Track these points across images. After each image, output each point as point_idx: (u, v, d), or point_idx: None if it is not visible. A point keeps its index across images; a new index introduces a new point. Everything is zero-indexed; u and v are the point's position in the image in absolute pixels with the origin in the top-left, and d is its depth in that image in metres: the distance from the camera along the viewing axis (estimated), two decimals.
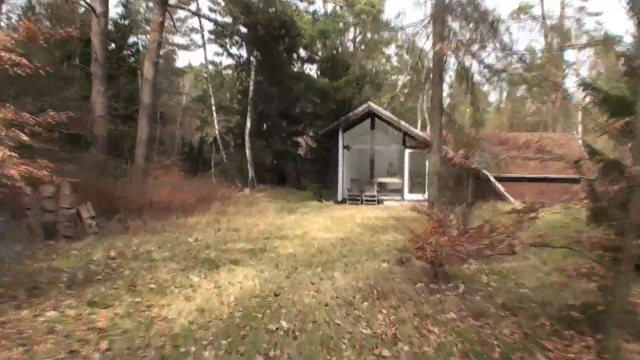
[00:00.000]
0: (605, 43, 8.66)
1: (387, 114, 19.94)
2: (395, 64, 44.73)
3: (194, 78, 42.04)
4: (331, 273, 7.14)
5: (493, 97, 50.77)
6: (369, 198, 20.43)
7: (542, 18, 33.71)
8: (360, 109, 20.02)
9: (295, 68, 29.64)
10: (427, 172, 20.28)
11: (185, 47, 38.58)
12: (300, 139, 34.17)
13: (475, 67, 10.43)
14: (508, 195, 20.48)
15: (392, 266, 7.73)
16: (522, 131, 35.43)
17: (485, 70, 10.27)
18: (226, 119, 34.80)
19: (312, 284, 6.52)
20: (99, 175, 13.84)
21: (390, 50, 38.54)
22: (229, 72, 33.32)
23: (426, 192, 20.55)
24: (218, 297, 5.74)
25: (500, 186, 20.53)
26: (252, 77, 28.24)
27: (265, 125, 30.83)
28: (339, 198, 20.36)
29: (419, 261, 6.86)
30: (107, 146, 16.90)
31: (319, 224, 13.53)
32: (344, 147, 21.02)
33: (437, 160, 9.16)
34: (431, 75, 9.13)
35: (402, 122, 19.76)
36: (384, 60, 39.25)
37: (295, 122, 31.28)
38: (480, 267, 7.45)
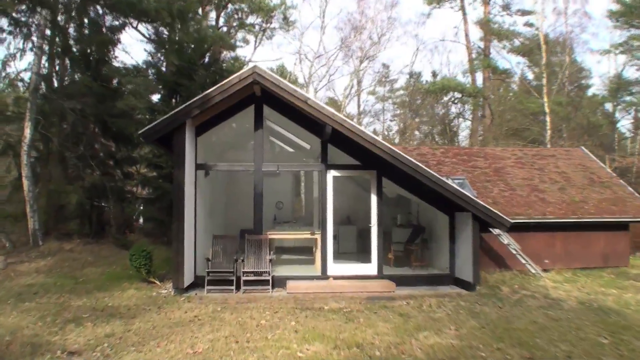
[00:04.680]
0: None
1: (292, 88, 9.60)
2: None
3: None
4: None
5: None
6: (254, 277, 9.84)
7: None
8: (234, 77, 9.49)
9: None
10: (374, 213, 10.47)
11: None
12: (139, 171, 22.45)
13: None
14: (524, 257, 11.32)
15: None
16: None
17: None
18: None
19: None
20: None
21: None
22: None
23: (374, 259, 10.60)
24: None
25: (511, 240, 11.26)
26: (44, 47, 16.53)
27: (80, 147, 19.16)
28: (187, 280, 9.55)
29: None
30: None
31: None
32: (198, 167, 10.33)
33: None
34: None
35: (328, 108, 9.62)
36: None
37: (126, 140, 19.31)
38: None
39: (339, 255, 11.81)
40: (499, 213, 9.55)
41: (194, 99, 9.56)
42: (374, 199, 10.62)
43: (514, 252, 11.36)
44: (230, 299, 8.97)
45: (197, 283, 10.03)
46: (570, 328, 6.70)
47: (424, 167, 9.52)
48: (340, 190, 11.42)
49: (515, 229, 11.48)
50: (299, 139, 12.83)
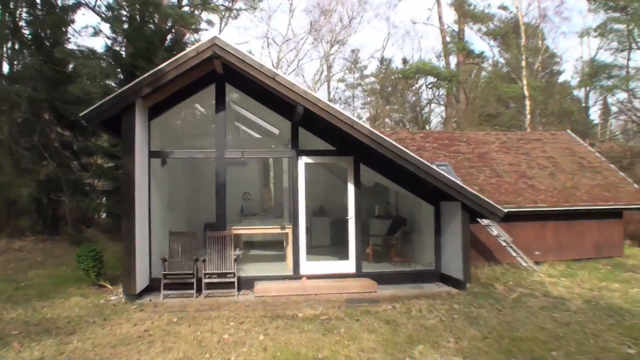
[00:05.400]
0: None
1: (258, 63, 8.43)
2: None
3: None
4: None
5: None
6: (217, 279, 8.73)
7: None
8: (191, 50, 8.28)
9: None
10: (352, 205, 9.45)
11: None
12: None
13: None
14: (515, 249, 10.50)
15: None
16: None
17: None
18: None
19: None
20: None
21: None
22: None
23: (352, 256, 9.57)
24: None
25: (501, 231, 10.41)
26: None
27: (35, 137, 17.51)
28: (140, 284, 8.37)
29: None
30: None
31: None
32: (152, 154, 9.12)
33: None
34: None
35: (299, 85, 8.50)
36: None
37: (82, 129, 17.63)
38: None
39: (312, 250, 10.79)
40: (492, 202, 8.63)
41: (145, 75, 8.32)
42: (351, 188, 9.56)
43: (504, 244, 10.51)
44: (189, 306, 7.84)
45: (153, 286, 8.84)
46: (585, 335, 5.79)
47: (409, 152, 8.51)
48: (313, 179, 10.38)
49: (503, 218, 10.64)
50: (267, 123, 11.69)
